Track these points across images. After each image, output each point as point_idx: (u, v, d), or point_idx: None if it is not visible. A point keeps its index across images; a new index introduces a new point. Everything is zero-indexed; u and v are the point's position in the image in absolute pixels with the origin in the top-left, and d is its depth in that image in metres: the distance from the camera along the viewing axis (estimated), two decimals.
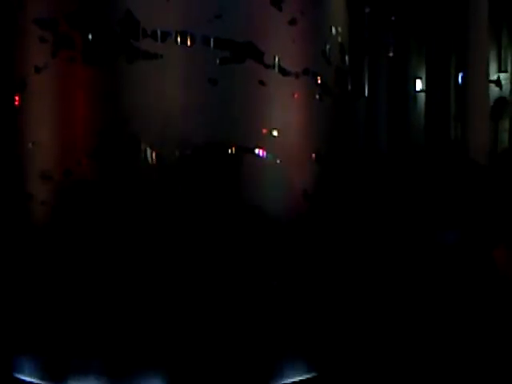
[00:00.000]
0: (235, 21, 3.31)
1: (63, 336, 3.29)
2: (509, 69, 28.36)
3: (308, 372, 3.49)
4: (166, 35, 3.21)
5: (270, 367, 3.38)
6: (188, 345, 3.24)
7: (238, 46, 3.30)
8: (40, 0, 3.38)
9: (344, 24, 3.87)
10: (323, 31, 3.67)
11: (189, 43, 3.24)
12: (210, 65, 3.27)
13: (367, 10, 23.16)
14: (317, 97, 3.59)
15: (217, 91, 3.27)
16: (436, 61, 22.32)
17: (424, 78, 24.75)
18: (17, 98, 3.42)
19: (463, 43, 16.81)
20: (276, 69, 3.40)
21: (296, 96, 3.49)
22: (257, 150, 3.33)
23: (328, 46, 3.67)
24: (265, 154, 3.35)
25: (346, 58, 3.94)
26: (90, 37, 3.23)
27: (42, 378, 3.35)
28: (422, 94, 25.04)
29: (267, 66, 3.37)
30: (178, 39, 3.22)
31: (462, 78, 18.70)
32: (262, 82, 3.36)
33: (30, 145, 3.35)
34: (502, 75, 27.36)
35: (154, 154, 3.22)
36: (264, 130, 3.36)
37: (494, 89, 23.48)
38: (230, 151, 3.27)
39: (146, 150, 3.21)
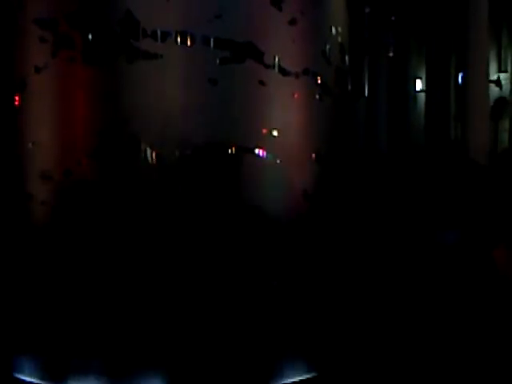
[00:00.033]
0: (235, 21, 3.31)
1: (63, 336, 3.29)
2: (509, 69, 28.36)
3: (308, 372, 3.49)
4: (165, 35, 3.21)
5: (270, 367, 3.38)
6: (188, 345, 3.24)
7: (238, 46, 3.30)
8: (40, 0, 3.38)
9: (344, 24, 3.87)
10: (323, 31, 3.67)
11: (189, 43, 3.24)
12: (210, 65, 3.27)
13: (367, 10, 23.16)
14: (317, 97, 3.59)
15: (217, 91, 3.27)
16: (436, 61, 22.32)
17: (424, 78, 24.74)
18: (17, 98, 3.42)
19: (463, 43, 16.81)
20: (276, 69, 3.40)
21: (296, 96, 3.49)
22: (257, 150, 3.33)
23: (328, 46, 3.67)
24: (265, 153, 3.35)
25: (346, 57, 3.94)
26: (90, 37, 3.23)
27: (42, 378, 3.36)
28: (422, 94, 25.04)
29: (267, 66, 3.37)
30: (178, 39, 3.22)
31: (461, 78, 18.69)
32: (262, 82, 3.36)
33: (30, 145, 3.35)
34: (502, 75, 27.36)
35: (153, 154, 3.22)
36: (264, 130, 3.36)
37: (494, 89, 23.47)
38: (229, 151, 3.27)
39: (146, 150, 3.21)
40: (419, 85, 26.57)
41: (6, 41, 3.49)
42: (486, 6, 16.37)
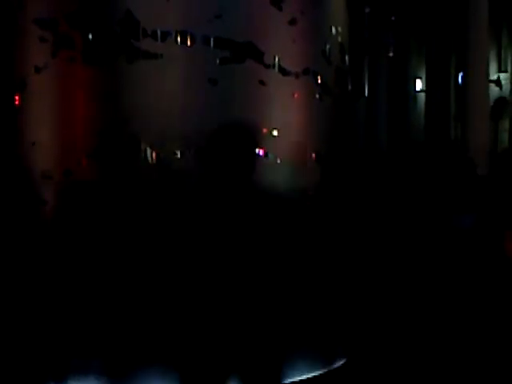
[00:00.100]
0: (235, 21, 3.30)
1: (63, 336, 3.29)
2: (509, 69, 28.37)
3: (313, 370, 3.50)
4: (166, 35, 3.21)
5: (278, 365, 3.38)
6: (194, 342, 3.23)
7: (238, 45, 3.29)
8: (40, 0, 3.38)
9: (344, 24, 3.87)
10: (323, 31, 3.67)
11: (189, 43, 3.24)
12: (210, 65, 3.27)
13: (367, 10, 23.18)
14: (317, 97, 3.59)
15: (217, 91, 3.26)
16: (436, 61, 22.33)
17: (424, 78, 24.76)
18: (17, 97, 3.42)
19: (463, 43, 16.82)
20: (276, 69, 3.40)
21: (296, 96, 3.49)
22: (257, 150, 3.33)
23: (328, 46, 3.67)
24: (265, 154, 3.35)
25: (346, 57, 3.94)
26: (90, 37, 3.23)
27: (42, 378, 3.35)
28: (422, 94, 25.05)
29: (267, 66, 3.37)
30: (178, 39, 3.22)
31: (461, 78, 18.71)
32: (262, 82, 3.36)
33: (30, 145, 3.35)
34: (502, 75, 27.37)
35: (153, 154, 3.22)
36: (264, 130, 3.36)
37: (494, 89, 23.49)
38: (229, 151, 3.26)
39: (146, 150, 3.21)
40: (419, 85, 26.59)
41: (6, 41, 3.49)
42: (486, 6, 16.39)
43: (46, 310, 3.33)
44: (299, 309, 3.48)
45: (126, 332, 3.23)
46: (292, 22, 3.44)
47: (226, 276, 3.21)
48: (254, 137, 3.06)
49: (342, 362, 3.74)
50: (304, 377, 3.45)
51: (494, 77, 23.75)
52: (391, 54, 24.29)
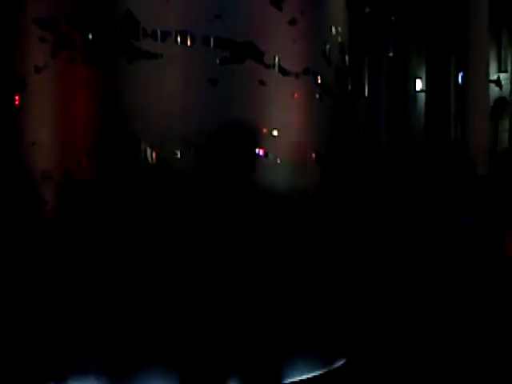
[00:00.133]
0: (235, 21, 3.30)
1: (63, 336, 3.29)
2: (509, 69, 28.37)
3: (313, 370, 3.50)
4: (166, 35, 3.21)
5: (278, 365, 3.38)
6: (194, 342, 3.23)
7: (238, 45, 3.29)
8: (40, 0, 3.38)
9: (344, 24, 3.87)
10: (323, 31, 3.67)
11: (189, 43, 3.24)
12: (210, 65, 3.26)
13: (367, 10, 23.18)
14: (317, 97, 3.59)
15: (217, 91, 3.26)
16: (436, 61, 22.33)
17: (424, 78, 24.76)
18: (17, 97, 3.42)
19: (463, 43, 16.82)
20: (276, 69, 3.40)
21: (296, 96, 3.49)
22: (257, 150, 3.33)
23: (328, 46, 3.67)
24: (265, 154, 3.35)
25: (346, 57, 3.94)
26: (90, 37, 3.23)
27: (42, 378, 3.35)
28: (422, 94, 25.05)
29: (267, 66, 3.37)
30: (178, 39, 3.22)
31: (461, 77, 18.71)
32: (262, 82, 3.36)
33: (30, 145, 3.35)
34: (502, 75, 27.37)
35: (153, 154, 3.22)
36: (264, 130, 3.36)
37: (494, 89, 23.49)
38: (229, 151, 3.26)
39: (146, 150, 3.21)
40: (419, 85, 26.59)
41: (6, 41, 3.49)
42: (486, 6, 16.39)
43: (46, 310, 3.33)
44: (299, 309, 3.48)
45: (126, 332, 3.22)
46: (292, 22, 3.44)
47: (226, 276, 3.21)
48: (254, 137, 3.05)
49: (342, 362, 3.75)
50: (304, 377, 3.45)
51: (494, 77, 23.76)
52: (391, 54, 24.29)
